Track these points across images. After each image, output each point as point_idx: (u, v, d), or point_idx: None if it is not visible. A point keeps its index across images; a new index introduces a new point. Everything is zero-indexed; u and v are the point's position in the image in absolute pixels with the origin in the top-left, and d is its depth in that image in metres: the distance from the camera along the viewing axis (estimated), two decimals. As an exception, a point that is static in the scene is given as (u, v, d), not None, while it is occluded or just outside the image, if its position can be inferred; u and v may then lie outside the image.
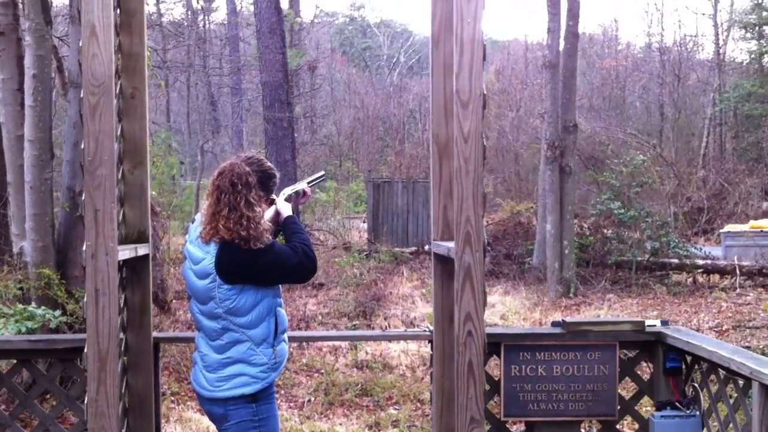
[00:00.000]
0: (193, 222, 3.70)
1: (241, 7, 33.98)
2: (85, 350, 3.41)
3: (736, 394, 3.83)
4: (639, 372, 4.54)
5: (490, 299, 14.08)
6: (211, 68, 28.01)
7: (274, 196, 3.74)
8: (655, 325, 4.39)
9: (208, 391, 3.52)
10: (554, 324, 4.49)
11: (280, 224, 3.75)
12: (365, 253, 18.00)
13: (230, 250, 3.41)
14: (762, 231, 17.36)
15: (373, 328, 11.31)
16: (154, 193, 10.27)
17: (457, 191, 3.55)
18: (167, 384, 8.09)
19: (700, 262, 15.64)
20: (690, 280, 15.38)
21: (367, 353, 9.89)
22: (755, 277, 15.09)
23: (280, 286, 3.65)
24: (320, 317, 12.35)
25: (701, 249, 16.74)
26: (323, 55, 40.18)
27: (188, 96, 28.79)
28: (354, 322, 11.63)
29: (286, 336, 3.75)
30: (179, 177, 21.59)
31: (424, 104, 41.10)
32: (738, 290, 14.36)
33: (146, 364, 4.07)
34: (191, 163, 27.60)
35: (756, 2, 29.13)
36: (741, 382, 3.72)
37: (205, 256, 3.46)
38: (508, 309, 12.81)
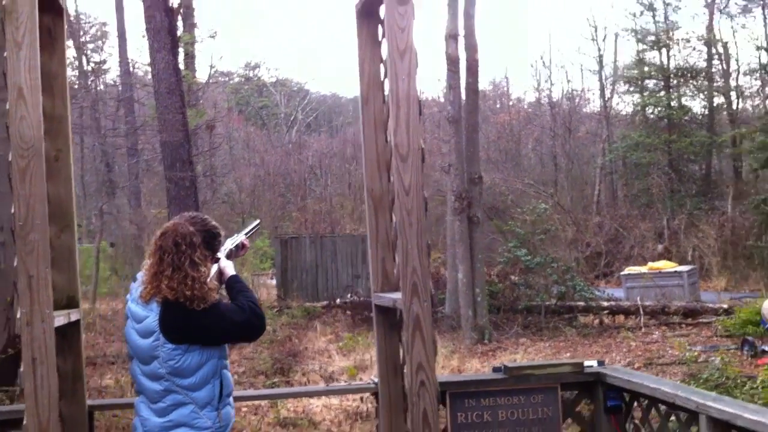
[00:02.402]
0: (135, 281, 3.58)
1: (134, 68, 33.57)
2: (24, 422, 3.22)
3: (677, 429, 3.93)
4: (579, 412, 4.60)
5: (405, 351, 14.08)
6: (107, 129, 27.41)
7: (219, 255, 3.66)
8: (592, 366, 4.48)
9: None
10: (495, 369, 4.53)
11: (223, 283, 3.67)
12: (276, 309, 17.77)
13: (174, 309, 3.31)
14: (660, 272, 18.08)
15: (292, 385, 11.09)
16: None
17: (402, 243, 3.56)
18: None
19: (605, 303, 16.13)
20: (597, 321, 15.80)
21: (288, 410, 9.69)
22: (658, 316, 15.64)
23: (227, 346, 3.55)
24: (236, 376, 12.04)
25: (604, 291, 17.28)
26: (220, 114, 39.98)
27: (82, 158, 28.05)
28: (273, 380, 11.38)
29: (231, 399, 3.64)
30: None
31: (324, 160, 41.36)
32: (643, 329, 14.84)
33: (80, 437, 3.88)
34: (87, 225, 26.79)
35: (639, 58, 30.75)
36: (684, 416, 3.82)
37: (148, 314, 3.35)
38: (425, 360, 12.80)
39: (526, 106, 39.45)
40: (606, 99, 32.92)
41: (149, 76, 33.05)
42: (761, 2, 30.61)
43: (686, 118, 29.57)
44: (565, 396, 4.58)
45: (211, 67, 39.06)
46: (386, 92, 4.21)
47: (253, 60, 60.68)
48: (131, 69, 32.57)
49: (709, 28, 30.55)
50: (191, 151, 20.51)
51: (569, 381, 4.44)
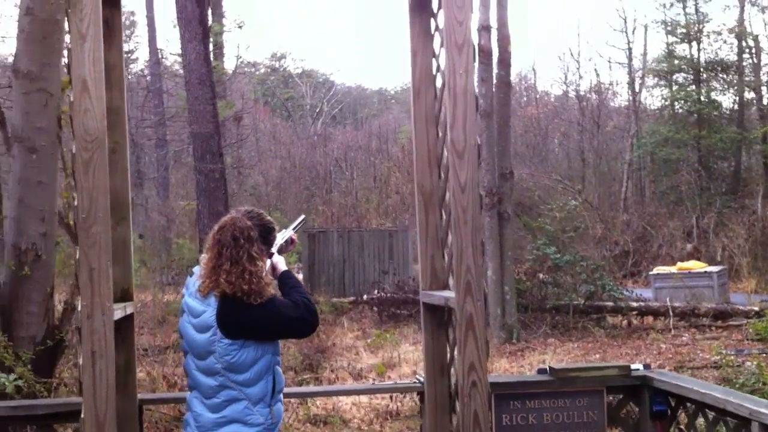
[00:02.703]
0: (191, 275, 3.60)
1: (162, 58, 33.71)
2: (82, 415, 3.25)
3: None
4: (623, 416, 4.57)
5: (433, 347, 14.07)
6: (137, 120, 27.56)
7: (273, 250, 3.68)
8: (638, 369, 4.45)
9: None
10: (540, 371, 4.52)
11: (276, 278, 3.68)
12: (304, 304, 17.76)
13: (232, 304, 3.33)
14: (690, 272, 17.91)
15: (321, 382, 11.11)
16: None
17: (456, 241, 3.55)
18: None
19: (634, 304, 16.00)
20: (625, 322, 15.69)
21: (317, 407, 9.70)
22: (688, 318, 15.50)
23: (279, 343, 3.57)
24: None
25: (632, 291, 17.13)
26: (248, 106, 40.09)
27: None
28: (302, 376, 11.40)
29: (281, 396, 3.66)
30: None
31: (349, 153, 41.31)
32: (672, 331, 14.72)
33: (131, 430, 3.91)
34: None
35: (668, 50, 30.43)
36: (732, 423, 3.79)
37: (206, 308, 3.37)
38: (453, 356, 12.79)
39: (553, 100, 39.16)
40: (635, 93, 32.58)
41: (176, 66, 33.30)
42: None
43: (716, 113, 29.26)
44: (608, 399, 4.56)
45: (238, 57, 39.23)
46: (438, 86, 4.21)
47: (279, 50, 60.60)
48: (160, 59, 32.73)
49: (740, 20, 30.16)
50: (221, 142, 20.61)
51: (615, 384, 4.41)
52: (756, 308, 15.27)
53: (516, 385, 4.37)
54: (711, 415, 3.99)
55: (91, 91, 3.30)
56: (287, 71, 56.04)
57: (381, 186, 34.46)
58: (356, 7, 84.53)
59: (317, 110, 50.88)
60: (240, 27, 30.26)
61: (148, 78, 32.53)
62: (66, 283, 10.45)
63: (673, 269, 18.65)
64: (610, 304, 15.86)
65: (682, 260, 20.48)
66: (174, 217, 23.64)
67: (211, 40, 23.61)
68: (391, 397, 9.72)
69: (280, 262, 3.73)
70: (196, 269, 3.61)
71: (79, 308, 3.26)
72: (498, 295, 14.59)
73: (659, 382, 4.24)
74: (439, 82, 4.17)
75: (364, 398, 10.02)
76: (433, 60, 4.26)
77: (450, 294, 3.77)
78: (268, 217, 3.67)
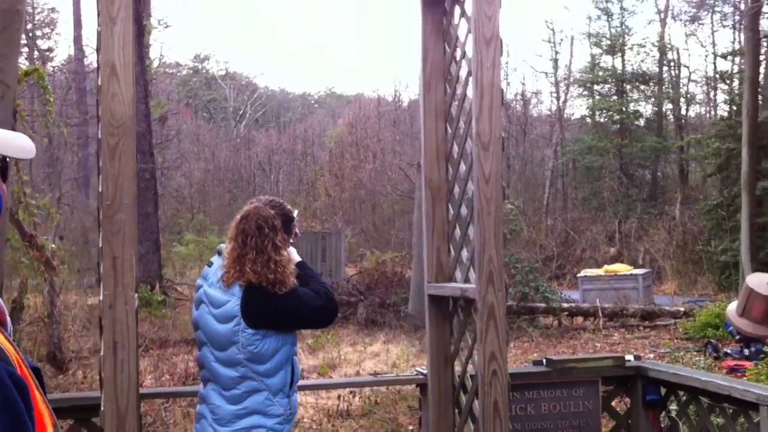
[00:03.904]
0: (209, 266, 3.54)
1: (85, 56, 32.78)
2: (102, 408, 3.15)
3: (722, 421, 4.04)
4: (614, 406, 4.70)
5: (373, 348, 14.10)
6: (60, 118, 26.69)
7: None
8: (630, 360, 4.57)
9: None
10: (535, 363, 4.59)
11: None
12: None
13: (257, 293, 3.29)
14: (616, 275, 18.45)
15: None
16: (53, 246, 9.61)
17: (480, 231, 3.58)
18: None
19: (565, 305, 16.37)
20: (556, 322, 16.05)
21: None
22: (617, 318, 15.97)
23: (296, 334, 3.54)
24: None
25: (560, 293, 17.54)
26: (173, 107, 39.40)
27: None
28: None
29: (296, 387, 3.64)
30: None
31: (273, 156, 41.06)
32: (603, 331, 15.14)
33: (132, 425, 3.79)
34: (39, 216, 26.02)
35: (593, 62, 31.34)
36: (731, 409, 3.93)
37: (230, 298, 3.32)
38: (396, 356, 12.86)
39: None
40: (560, 102, 33.45)
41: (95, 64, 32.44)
42: (709, 10, 31.52)
43: (637, 123, 30.28)
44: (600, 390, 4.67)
45: (161, 57, 38.47)
46: (450, 79, 4.24)
47: (203, 52, 59.73)
48: (85, 56, 31.82)
49: (661, 34, 31.33)
50: (152, 142, 20.22)
51: (610, 375, 4.52)
52: (682, 309, 15.87)
53: (514, 376, 4.42)
54: (706, 402, 4.13)
55: (120, 75, 3.21)
56: (210, 73, 55.30)
57: (308, 189, 34.34)
58: (279, 6, 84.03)
59: (240, 113, 50.36)
60: (166, 27, 29.62)
61: (67, 75, 31.63)
62: (14, 281, 10.11)
63: (600, 272, 19.17)
64: (543, 305, 16.17)
65: (605, 264, 21.10)
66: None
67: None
68: (338, 397, 9.70)
69: (294, 253, 3.70)
70: (215, 259, 3.56)
71: (101, 297, 3.16)
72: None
73: (654, 371, 4.37)
74: (454, 76, 4.20)
75: (310, 398, 9.95)
76: (444, 55, 4.29)
77: (467, 285, 3.81)
78: (289, 207, 3.64)
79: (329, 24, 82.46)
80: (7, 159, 1.47)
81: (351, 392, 9.70)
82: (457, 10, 4.05)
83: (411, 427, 8.61)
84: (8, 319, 1.38)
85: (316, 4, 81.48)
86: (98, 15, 3.16)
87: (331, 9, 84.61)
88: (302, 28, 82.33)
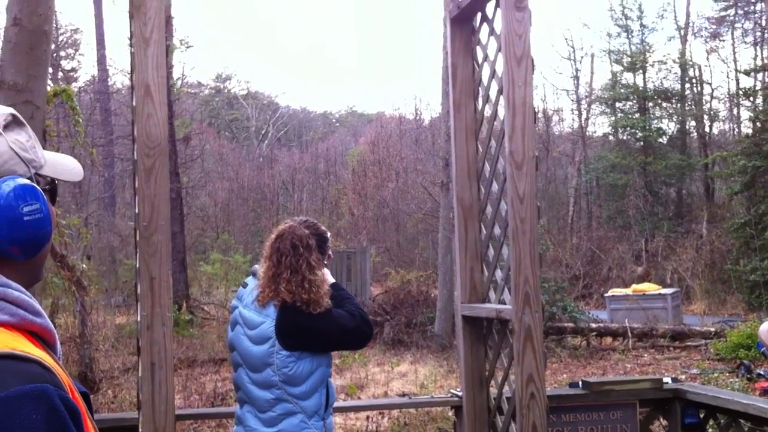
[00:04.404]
0: (244, 287, 3.52)
1: (111, 77, 33.16)
2: (140, 429, 3.13)
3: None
4: (652, 430, 4.61)
5: (401, 368, 14.02)
6: (86, 138, 26.94)
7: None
8: (668, 382, 4.49)
9: None
10: (571, 385, 4.52)
11: None
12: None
13: (291, 314, 3.28)
14: (644, 294, 18.26)
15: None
16: (84, 266, 9.67)
17: (515, 252, 3.54)
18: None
19: (594, 325, 16.21)
20: (584, 343, 15.89)
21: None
22: (646, 339, 15.77)
23: (331, 355, 3.51)
24: (232, 394, 11.88)
25: (589, 313, 17.37)
26: (197, 127, 39.71)
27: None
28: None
29: (332, 409, 3.60)
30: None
31: (296, 175, 41.22)
32: (633, 351, 14.96)
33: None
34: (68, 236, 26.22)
35: (614, 79, 31.23)
36: (773, 432, 3.85)
37: (265, 319, 3.31)
38: (424, 377, 12.77)
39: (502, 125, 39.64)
40: (582, 119, 33.33)
41: (120, 84, 32.75)
42: (730, 27, 31.34)
43: (660, 140, 30.09)
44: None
45: (183, 77, 38.79)
46: (480, 100, 4.21)
47: (224, 72, 60.19)
48: (109, 76, 32.18)
49: (683, 51, 31.19)
50: (177, 162, 20.34)
51: (648, 397, 4.44)
52: (713, 329, 15.65)
53: (551, 398, 4.35)
54: (746, 425, 4.04)
55: (154, 96, 3.22)
56: (232, 93, 55.77)
57: (331, 208, 34.39)
58: (303, 27, 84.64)
59: (263, 132, 50.64)
60: (189, 47, 29.89)
61: (92, 95, 31.93)
62: (46, 300, 10.17)
63: (627, 291, 18.98)
64: (571, 325, 16.04)
65: (633, 283, 20.89)
66: (126, 237, 23.15)
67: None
68: (367, 418, 9.66)
69: (327, 274, 3.68)
70: (250, 280, 3.54)
71: (138, 318, 3.15)
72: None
73: (693, 394, 4.28)
74: (480, 96, 4.18)
75: (338, 418, 9.91)
76: (473, 73, 4.27)
77: (502, 306, 3.76)
78: (323, 227, 3.62)
79: (343, 42, 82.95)
80: (56, 182, 1.46)
81: (380, 413, 9.66)
82: (485, 28, 4.02)
83: (441, 449, 8.54)
84: (58, 342, 1.36)
85: (328, 19, 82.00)
86: (131, 36, 3.16)
87: (351, 29, 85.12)
88: (318, 50, 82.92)
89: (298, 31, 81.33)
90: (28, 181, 1.32)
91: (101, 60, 29.22)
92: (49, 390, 1.14)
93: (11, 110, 1.35)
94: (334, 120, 61.83)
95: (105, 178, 28.69)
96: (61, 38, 36.21)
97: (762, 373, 11.63)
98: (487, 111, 4.10)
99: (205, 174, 38.85)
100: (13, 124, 1.35)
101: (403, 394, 10.97)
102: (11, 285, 1.27)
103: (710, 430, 4.42)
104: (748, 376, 11.68)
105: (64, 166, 1.47)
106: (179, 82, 34.45)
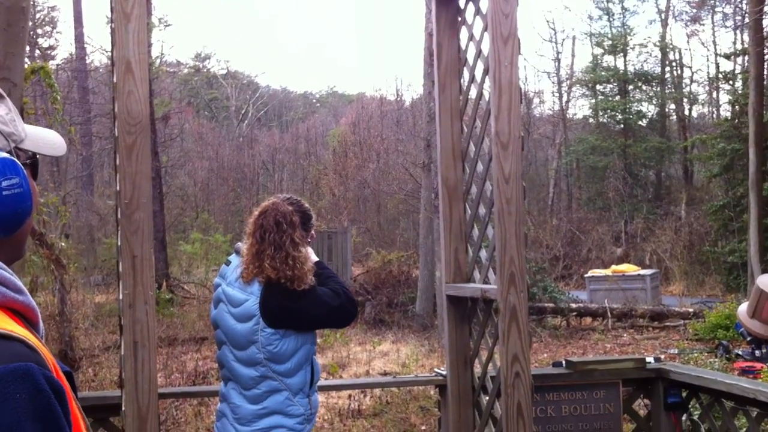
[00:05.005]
0: (227, 264, 3.49)
1: (89, 55, 32.75)
2: (123, 408, 3.10)
3: (746, 424, 3.98)
4: (634, 408, 4.63)
5: (382, 347, 14.05)
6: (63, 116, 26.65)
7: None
8: (651, 362, 4.51)
9: None
10: (554, 364, 4.53)
11: None
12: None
13: (275, 291, 3.25)
14: (624, 275, 18.38)
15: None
16: (63, 244, 9.58)
17: (500, 232, 3.53)
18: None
19: (574, 305, 16.30)
20: (564, 323, 15.98)
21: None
22: (624, 319, 15.89)
23: (316, 333, 3.49)
24: (213, 372, 11.86)
25: (568, 293, 17.47)
26: (176, 106, 39.37)
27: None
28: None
29: (316, 386, 3.59)
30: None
31: (277, 156, 41.03)
32: (613, 332, 15.07)
33: (153, 424, 3.74)
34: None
35: (594, 62, 31.27)
36: (755, 412, 3.87)
37: (248, 297, 3.28)
38: (406, 356, 12.80)
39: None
40: (563, 102, 33.39)
41: (98, 63, 32.39)
42: (710, 11, 31.45)
43: (640, 123, 30.23)
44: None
45: (162, 56, 38.39)
46: (465, 79, 4.18)
47: (204, 51, 59.70)
48: (87, 54, 31.75)
49: (663, 34, 31.27)
50: (156, 141, 20.17)
51: (631, 377, 4.46)
52: (691, 310, 15.80)
53: (534, 378, 4.36)
54: (729, 405, 4.06)
55: (135, 72, 3.16)
56: (211, 72, 55.27)
57: (312, 188, 34.30)
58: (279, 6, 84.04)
59: (242, 112, 50.31)
60: (168, 26, 29.56)
61: (69, 73, 31.54)
62: (25, 278, 10.08)
63: (607, 272, 19.09)
64: (551, 305, 16.11)
65: (612, 264, 21.02)
66: (105, 216, 22.99)
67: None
68: (349, 396, 9.67)
69: (311, 253, 3.65)
70: (233, 258, 3.51)
71: (120, 296, 3.11)
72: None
73: (676, 374, 4.30)
74: (466, 75, 4.15)
75: (320, 397, 9.87)
76: (458, 53, 4.23)
77: (487, 286, 3.75)
78: (307, 204, 3.59)
79: (329, 23, 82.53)
80: (38, 156, 1.42)
81: (362, 392, 9.67)
82: (471, 7, 3.98)
83: (423, 427, 8.57)
84: (41, 321, 1.33)
85: (317, 3, 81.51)
86: (111, 12, 3.10)
87: (331, 8, 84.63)
88: (302, 28, 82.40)
89: (298, 31, 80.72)
90: (7, 155, 1.28)
91: (79, 38, 28.82)
92: (34, 369, 1.11)
93: None
94: (314, 100, 61.51)
95: (83, 156, 28.41)
96: (38, 16, 35.69)
97: (740, 353, 11.74)
98: (473, 91, 4.06)
99: (185, 153, 38.59)
100: None
101: (386, 374, 11.01)
102: None
103: (692, 409, 4.45)
104: (727, 356, 11.77)
105: (45, 140, 1.43)
106: (158, 61, 34.10)
